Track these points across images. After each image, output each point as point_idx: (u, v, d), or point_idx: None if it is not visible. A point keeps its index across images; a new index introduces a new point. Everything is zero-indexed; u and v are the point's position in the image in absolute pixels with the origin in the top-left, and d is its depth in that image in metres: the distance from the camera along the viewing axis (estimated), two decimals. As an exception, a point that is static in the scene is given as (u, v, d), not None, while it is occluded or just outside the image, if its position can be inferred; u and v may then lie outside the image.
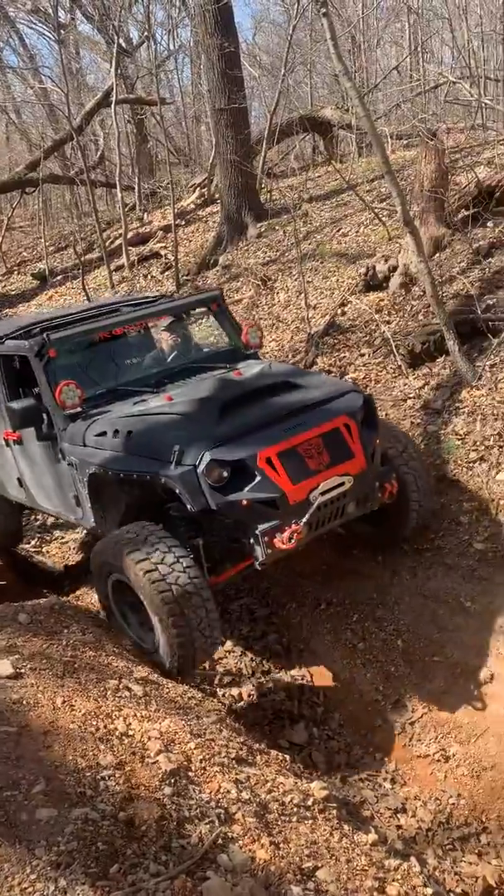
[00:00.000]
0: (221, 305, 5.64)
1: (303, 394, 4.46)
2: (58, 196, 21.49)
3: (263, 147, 13.49)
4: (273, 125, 13.76)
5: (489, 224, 7.84)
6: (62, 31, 18.72)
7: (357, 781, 3.93)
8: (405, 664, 4.43)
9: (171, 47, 21.43)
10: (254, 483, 3.88)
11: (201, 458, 3.88)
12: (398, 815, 3.73)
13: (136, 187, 16.28)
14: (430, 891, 2.40)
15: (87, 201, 14.39)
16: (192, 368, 5.19)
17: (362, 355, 6.98)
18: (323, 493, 4.00)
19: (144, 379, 5.08)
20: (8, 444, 5.49)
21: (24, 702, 2.88)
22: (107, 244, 14.25)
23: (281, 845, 2.43)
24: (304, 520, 3.90)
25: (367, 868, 2.42)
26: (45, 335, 4.86)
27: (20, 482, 5.60)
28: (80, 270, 12.03)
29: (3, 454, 5.65)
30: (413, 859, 2.66)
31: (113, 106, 13.80)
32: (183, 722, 3.07)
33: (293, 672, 4.72)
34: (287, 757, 3.30)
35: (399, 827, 3.66)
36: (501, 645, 4.21)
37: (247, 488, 3.88)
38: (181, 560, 3.83)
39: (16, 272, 17.00)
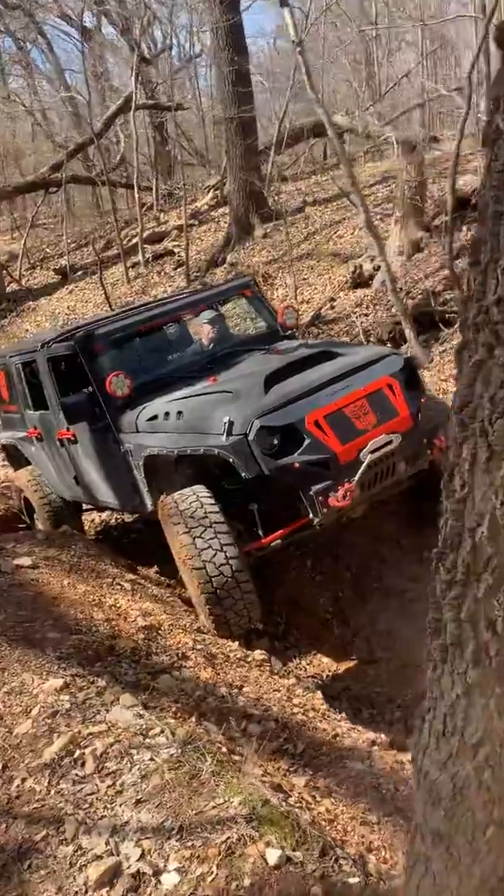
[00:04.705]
0: (255, 290, 5.84)
1: (343, 360, 4.58)
2: (82, 195, 22.56)
3: (272, 152, 14.45)
4: (281, 132, 14.73)
5: (464, 229, 8.77)
6: (86, 39, 19.81)
7: (304, 675, 4.89)
8: (351, 590, 5.39)
9: (193, 51, 22.51)
10: (304, 446, 4.03)
11: (251, 427, 4.02)
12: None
13: (154, 188, 17.30)
14: (325, 706, 3.36)
15: (108, 201, 15.47)
16: (233, 353, 5.33)
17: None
18: (372, 452, 4.11)
19: (189, 366, 5.27)
20: (63, 445, 5.63)
21: (40, 581, 3.88)
22: (124, 242, 15.28)
23: (220, 674, 3.40)
24: (356, 478, 4.03)
25: (280, 690, 3.39)
26: (90, 331, 5.18)
27: (77, 481, 5.74)
28: (99, 267, 13.04)
29: (60, 456, 5.80)
30: (319, 692, 3.62)
31: (132, 112, 14.85)
32: (160, 605, 4.06)
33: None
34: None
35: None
36: (423, 571, 5.15)
37: (297, 452, 4.02)
38: (225, 548, 3.97)
39: (38, 267, 18.07)
